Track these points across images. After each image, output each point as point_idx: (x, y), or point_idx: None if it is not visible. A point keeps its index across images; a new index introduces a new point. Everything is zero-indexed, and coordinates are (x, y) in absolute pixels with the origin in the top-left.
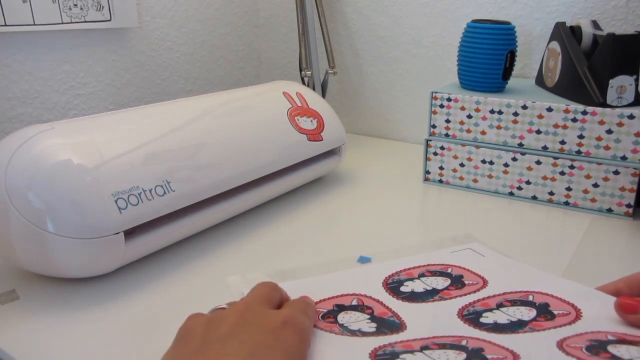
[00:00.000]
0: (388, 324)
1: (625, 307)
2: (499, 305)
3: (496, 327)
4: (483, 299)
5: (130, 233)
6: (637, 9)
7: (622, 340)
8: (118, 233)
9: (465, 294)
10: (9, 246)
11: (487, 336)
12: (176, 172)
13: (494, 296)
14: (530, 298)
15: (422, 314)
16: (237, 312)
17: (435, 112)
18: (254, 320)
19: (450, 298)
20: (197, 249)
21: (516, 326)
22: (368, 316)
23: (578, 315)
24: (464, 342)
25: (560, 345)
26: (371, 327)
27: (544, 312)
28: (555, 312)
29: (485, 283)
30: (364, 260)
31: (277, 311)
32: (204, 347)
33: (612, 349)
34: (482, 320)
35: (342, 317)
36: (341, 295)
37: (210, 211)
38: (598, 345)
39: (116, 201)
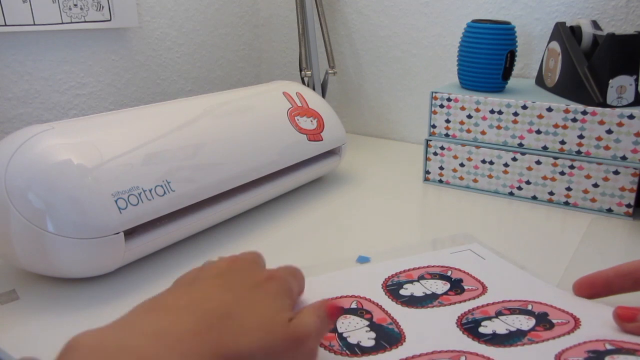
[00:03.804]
0: (387, 335)
1: (622, 316)
2: (498, 314)
3: (495, 339)
4: (482, 306)
5: (130, 233)
6: (637, 9)
7: (619, 349)
8: (118, 233)
9: (465, 300)
10: (9, 246)
11: (485, 350)
12: (176, 172)
13: (493, 304)
14: (530, 307)
15: (421, 321)
16: (227, 260)
17: (435, 112)
18: (241, 269)
19: (450, 304)
20: (197, 249)
21: (515, 337)
22: (367, 322)
23: (577, 324)
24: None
25: (559, 359)
26: (370, 338)
27: (543, 321)
28: (554, 321)
29: (484, 289)
30: (362, 260)
31: (265, 268)
32: (194, 281)
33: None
34: (481, 330)
35: (341, 323)
36: (340, 297)
37: (211, 211)
38: (596, 357)
39: (116, 201)
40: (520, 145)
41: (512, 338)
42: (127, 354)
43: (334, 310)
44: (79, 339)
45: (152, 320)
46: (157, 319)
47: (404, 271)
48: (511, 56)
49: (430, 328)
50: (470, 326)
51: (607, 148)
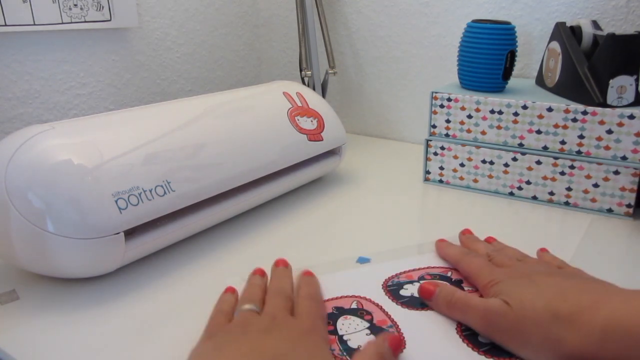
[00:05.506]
0: None
1: (423, 292)
2: None
3: (494, 350)
4: None
5: (130, 233)
6: (637, 9)
7: None
8: (118, 233)
9: None
10: (9, 246)
11: None
12: (176, 172)
13: None
14: None
15: (421, 324)
16: (268, 317)
17: (435, 112)
18: (283, 325)
19: None
20: (197, 249)
21: None
22: (367, 324)
23: None
24: None
25: None
26: None
27: None
28: None
29: None
30: (363, 260)
31: (300, 319)
32: (246, 334)
33: None
34: (480, 338)
35: (342, 324)
36: (341, 297)
37: (211, 211)
38: None
39: (116, 201)
40: (521, 145)
41: None
42: None
43: (396, 343)
44: None
45: None
46: None
47: (405, 272)
48: (511, 56)
49: (430, 333)
50: (469, 333)
51: (607, 148)
